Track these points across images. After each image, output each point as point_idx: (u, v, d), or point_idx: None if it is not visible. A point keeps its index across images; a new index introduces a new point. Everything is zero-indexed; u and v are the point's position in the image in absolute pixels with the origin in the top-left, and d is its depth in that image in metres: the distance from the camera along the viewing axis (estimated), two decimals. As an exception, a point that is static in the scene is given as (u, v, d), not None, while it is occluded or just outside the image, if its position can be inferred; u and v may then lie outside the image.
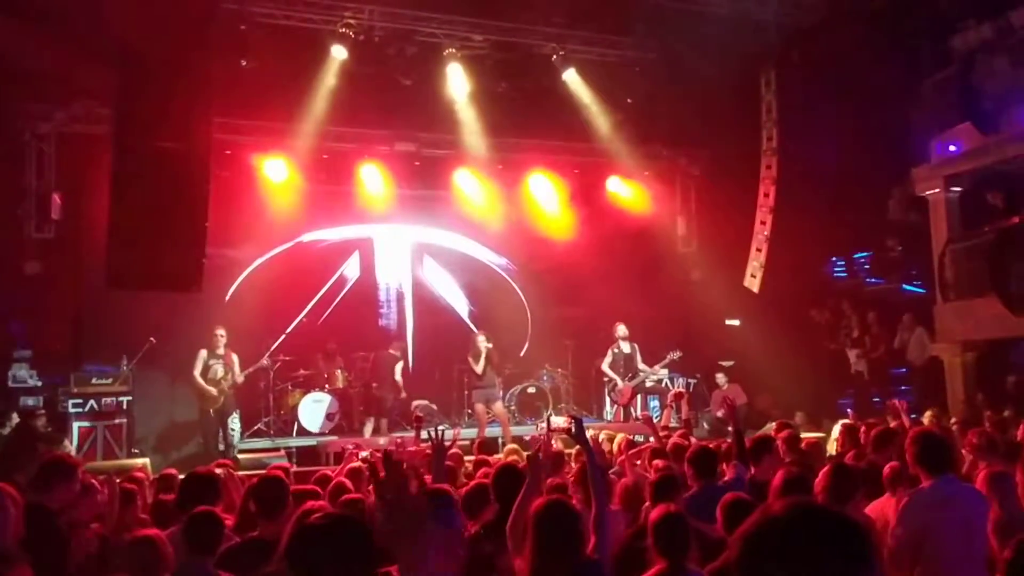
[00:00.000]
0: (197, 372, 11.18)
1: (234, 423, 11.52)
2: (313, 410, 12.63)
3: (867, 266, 15.92)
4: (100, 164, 10.05)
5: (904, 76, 12.98)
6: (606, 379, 13.40)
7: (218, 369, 11.27)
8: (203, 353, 11.27)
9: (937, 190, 12.87)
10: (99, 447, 10.81)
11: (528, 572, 3.45)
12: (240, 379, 11.56)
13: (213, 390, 11.16)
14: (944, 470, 4.35)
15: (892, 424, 7.59)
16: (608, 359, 13.13)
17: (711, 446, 6.07)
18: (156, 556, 3.94)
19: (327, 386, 13.01)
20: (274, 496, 4.39)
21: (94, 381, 11.17)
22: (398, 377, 12.91)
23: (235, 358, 11.48)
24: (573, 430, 4.39)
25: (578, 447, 4.90)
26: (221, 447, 11.20)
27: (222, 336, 11.41)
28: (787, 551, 1.49)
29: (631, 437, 8.63)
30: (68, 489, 4.71)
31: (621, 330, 13.05)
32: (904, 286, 15.05)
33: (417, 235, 15.43)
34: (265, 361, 12.21)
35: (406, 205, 14.84)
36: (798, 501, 1.59)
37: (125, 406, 11.13)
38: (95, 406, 10.97)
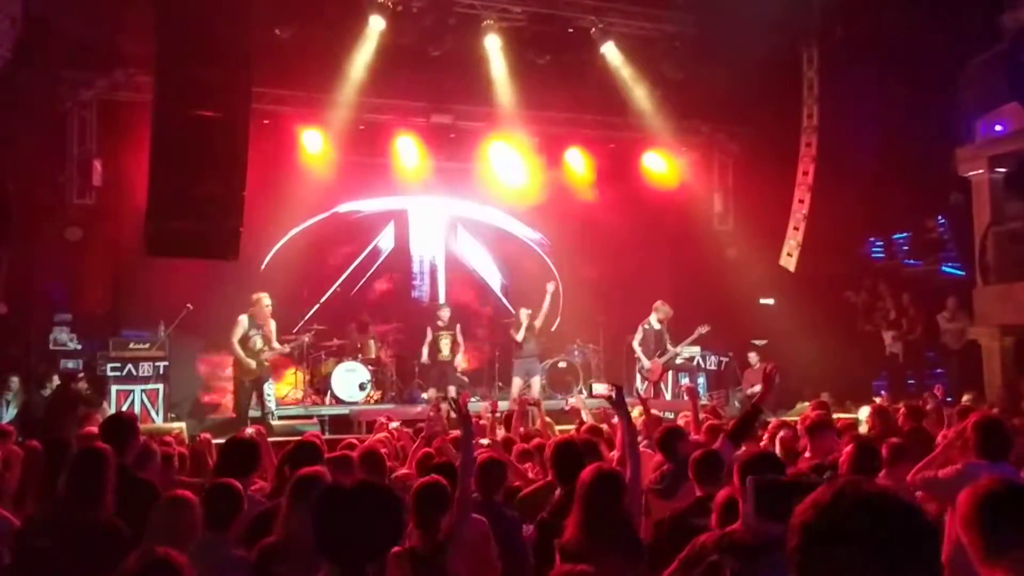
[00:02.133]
0: (236, 339, 10.81)
1: (270, 389, 11.33)
2: (346, 379, 12.73)
3: (905, 247, 15.67)
4: (141, 131, 10.15)
5: (950, 54, 12.69)
6: (636, 356, 13.37)
7: (257, 340, 10.86)
8: (244, 320, 10.83)
9: (981, 171, 12.62)
10: (136, 411, 10.98)
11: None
12: (285, 350, 11.42)
13: (252, 362, 10.79)
14: (1000, 457, 4.40)
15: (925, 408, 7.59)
16: (639, 335, 13.05)
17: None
18: (188, 518, 3.67)
19: (360, 356, 13.13)
20: (308, 462, 4.43)
21: (131, 346, 11.29)
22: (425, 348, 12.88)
23: (272, 325, 11.14)
24: (614, 397, 4.65)
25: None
26: (255, 413, 11.02)
27: (268, 305, 10.98)
28: (852, 536, 1.45)
29: (660, 414, 8.63)
30: (136, 446, 4.90)
31: (660, 308, 12.90)
32: (943, 268, 14.83)
33: (451, 208, 15.45)
34: (305, 339, 12.28)
35: (441, 177, 14.83)
36: (857, 485, 1.54)
37: (162, 371, 11.23)
38: (132, 370, 11.08)
